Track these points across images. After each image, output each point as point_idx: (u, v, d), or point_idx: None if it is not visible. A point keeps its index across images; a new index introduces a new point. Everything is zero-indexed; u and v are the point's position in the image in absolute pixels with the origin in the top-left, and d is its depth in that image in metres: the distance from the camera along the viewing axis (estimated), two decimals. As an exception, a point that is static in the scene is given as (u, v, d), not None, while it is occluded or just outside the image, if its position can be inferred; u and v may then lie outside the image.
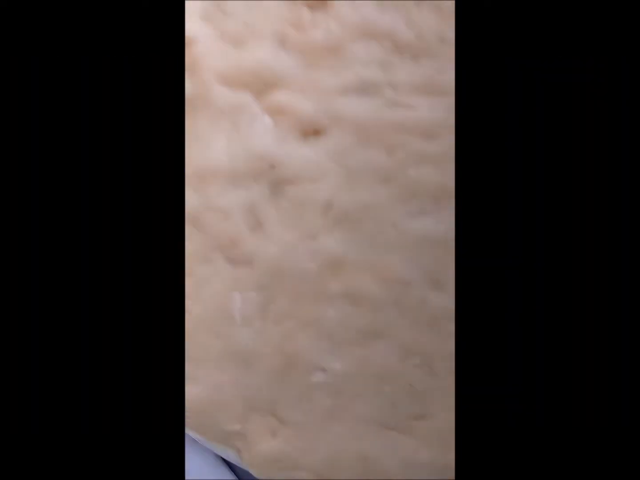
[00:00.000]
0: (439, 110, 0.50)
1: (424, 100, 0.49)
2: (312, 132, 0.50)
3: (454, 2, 0.50)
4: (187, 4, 0.52)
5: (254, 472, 0.50)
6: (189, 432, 0.51)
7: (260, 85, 0.50)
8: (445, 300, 0.49)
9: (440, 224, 0.49)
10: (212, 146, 0.50)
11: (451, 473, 0.50)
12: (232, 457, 0.51)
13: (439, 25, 0.50)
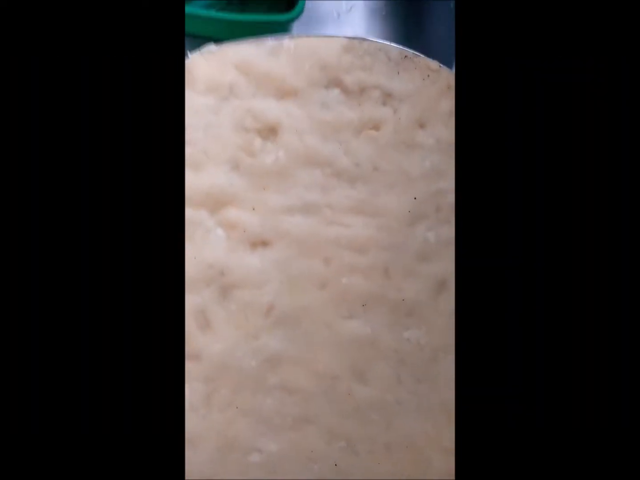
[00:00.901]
0: (370, 228, 0.54)
1: (359, 219, 0.53)
2: (260, 243, 0.53)
3: (387, 130, 0.53)
4: None
5: None
6: None
7: (215, 203, 0.53)
8: (368, 392, 0.52)
9: (367, 325, 0.53)
10: None
11: None
12: None
13: (375, 154, 0.54)
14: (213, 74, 0.54)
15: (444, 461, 0.52)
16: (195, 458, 0.52)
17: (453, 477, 0.51)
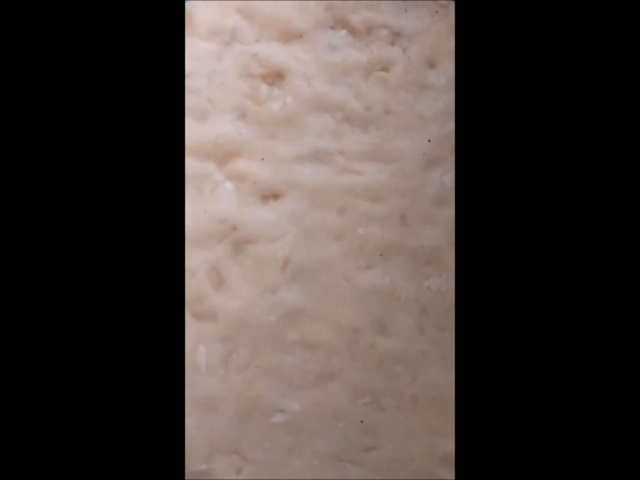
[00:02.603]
0: (384, 174, 0.51)
1: (371, 166, 0.51)
2: (270, 196, 0.51)
3: (397, 71, 0.51)
4: None
5: None
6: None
7: (222, 154, 0.51)
8: (391, 344, 0.51)
9: (386, 276, 0.51)
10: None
11: None
12: None
13: (385, 97, 0.51)
14: (214, 18, 0.50)
15: None
16: (216, 423, 0.50)
17: None
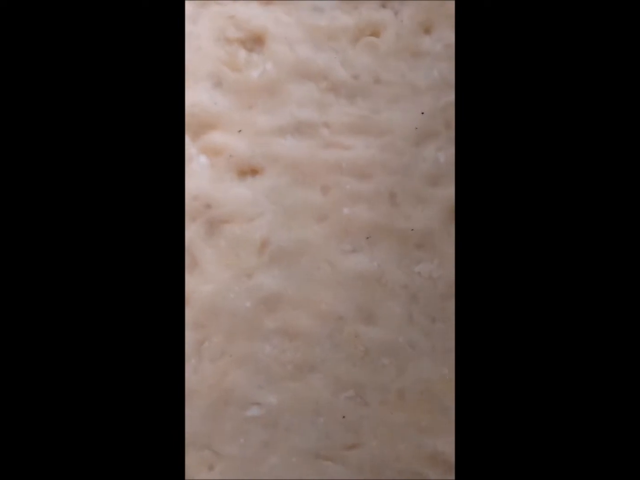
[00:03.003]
0: (373, 149, 0.49)
1: (359, 140, 0.49)
2: (248, 171, 0.49)
3: (388, 36, 0.48)
4: None
5: None
6: None
7: (196, 126, 0.49)
8: (377, 334, 0.49)
9: (373, 260, 0.49)
10: None
11: None
12: None
13: (374, 65, 0.50)
14: None
15: None
16: (189, 414, 0.47)
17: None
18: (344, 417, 0.48)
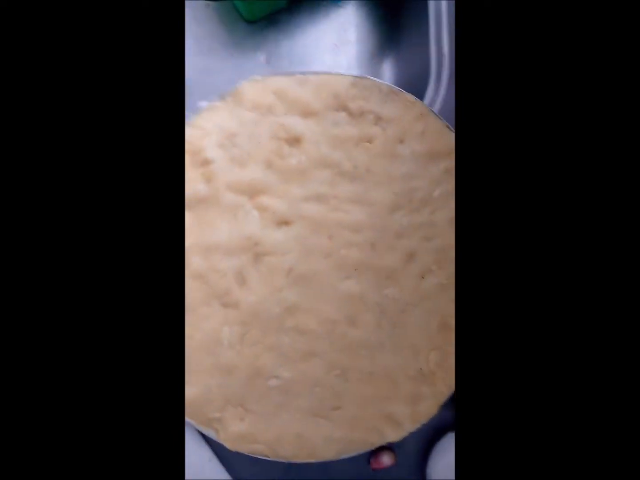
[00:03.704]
0: (363, 214, 0.55)
1: (355, 207, 0.56)
2: (283, 223, 0.54)
3: (378, 143, 0.55)
4: (209, 138, 0.55)
5: (227, 446, 0.53)
6: (186, 418, 0.52)
7: (253, 191, 0.54)
8: (358, 334, 0.54)
9: (358, 285, 0.55)
10: (218, 229, 0.54)
11: (353, 446, 0.55)
12: (212, 435, 0.54)
13: (368, 160, 0.56)
14: (257, 96, 0.55)
15: (410, 386, 0.56)
16: (230, 383, 0.53)
17: (416, 399, 0.54)
18: (332, 388, 0.53)
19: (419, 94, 0.60)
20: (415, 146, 0.57)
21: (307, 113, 0.56)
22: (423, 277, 0.55)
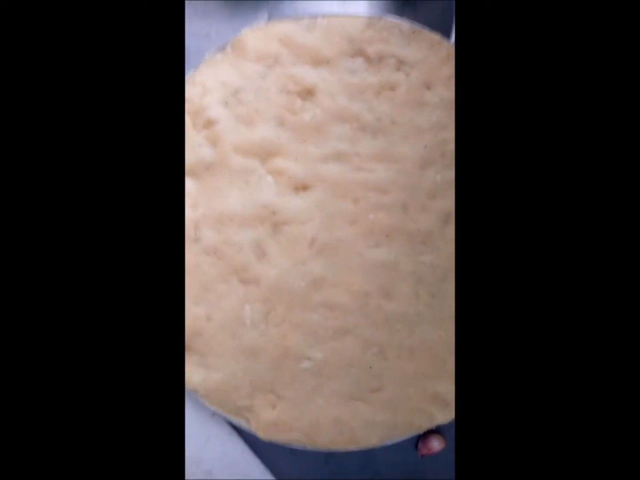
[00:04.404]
0: (390, 172, 0.50)
1: (381, 165, 0.50)
2: (301, 187, 0.50)
3: (401, 91, 0.50)
4: (211, 96, 0.50)
5: (259, 436, 0.49)
6: (211, 407, 0.50)
7: (265, 154, 0.50)
8: (393, 306, 0.49)
9: (391, 253, 0.50)
10: (229, 198, 0.49)
11: (397, 430, 0.50)
12: (242, 425, 0.50)
13: (392, 111, 0.50)
14: (261, 45, 0.50)
15: (455, 361, 0.46)
16: (257, 367, 0.48)
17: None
18: (370, 367, 0.49)
19: (445, 32, 0.54)
20: (444, 92, 0.52)
21: (318, 61, 0.51)
22: (463, 240, 0.46)
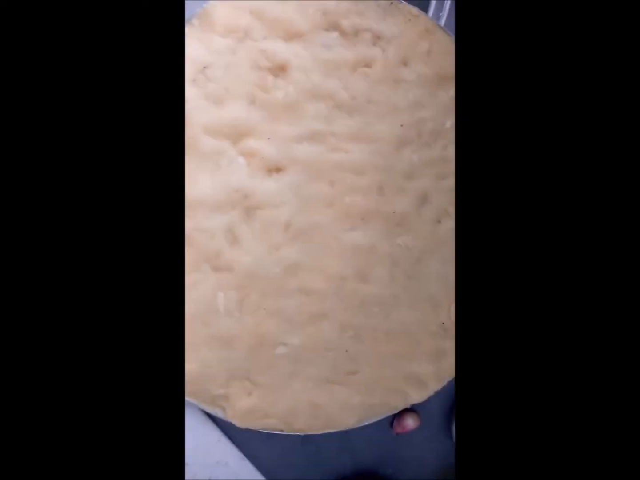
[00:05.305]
0: (366, 153, 0.48)
1: (357, 146, 0.48)
2: (275, 170, 0.48)
3: (377, 67, 0.48)
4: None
5: (235, 423, 0.48)
6: (186, 398, 0.48)
7: (236, 134, 0.47)
8: (369, 289, 0.49)
9: (367, 236, 0.49)
10: (199, 182, 0.47)
11: (374, 411, 0.51)
12: (219, 414, 0.49)
13: (368, 89, 0.48)
14: (230, 18, 0.47)
15: (432, 342, 0.50)
16: (232, 355, 0.47)
17: (440, 356, 0.50)
18: (346, 351, 0.49)
19: (422, 5, 0.51)
20: (422, 69, 0.50)
21: (291, 35, 0.48)
22: (439, 222, 0.50)
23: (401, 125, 0.49)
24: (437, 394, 0.50)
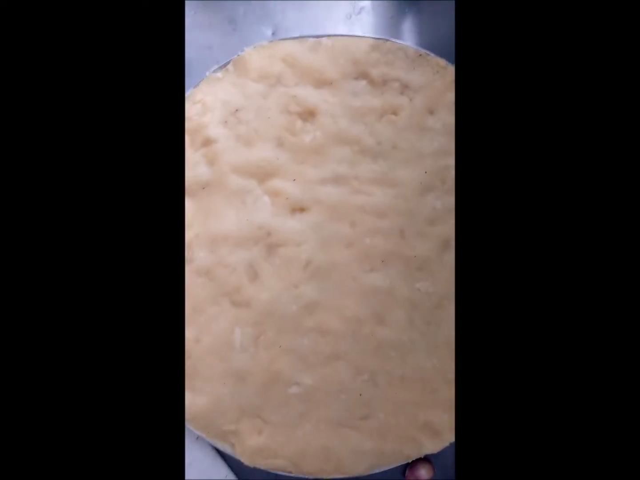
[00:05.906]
0: (389, 197, 0.49)
1: (379, 189, 0.49)
2: (298, 209, 0.49)
3: (404, 115, 0.49)
4: (211, 114, 0.49)
5: (244, 461, 0.48)
6: (196, 431, 0.48)
7: (263, 174, 0.49)
8: (386, 333, 0.48)
9: (386, 278, 0.48)
10: (224, 218, 0.48)
11: (386, 459, 0.49)
12: (227, 450, 0.48)
13: (393, 135, 0.49)
14: (264, 65, 0.49)
15: (448, 391, 0.48)
16: (245, 391, 0.47)
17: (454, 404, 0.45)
18: (360, 394, 0.48)
19: (449, 56, 0.52)
20: (448, 118, 0.51)
21: (321, 82, 0.50)
22: (460, 268, 0.46)
23: (425, 172, 0.49)
24: (453, 445, 0.48)
